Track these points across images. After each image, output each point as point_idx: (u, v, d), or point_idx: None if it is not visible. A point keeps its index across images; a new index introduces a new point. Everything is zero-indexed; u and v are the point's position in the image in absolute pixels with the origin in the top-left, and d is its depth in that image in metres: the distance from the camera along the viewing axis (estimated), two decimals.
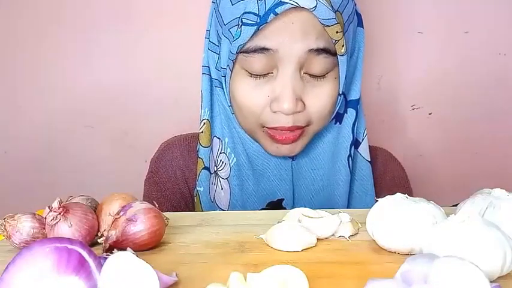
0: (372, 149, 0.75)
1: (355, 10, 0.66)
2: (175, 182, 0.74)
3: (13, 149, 1.07)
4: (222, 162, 0.68)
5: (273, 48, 0.58)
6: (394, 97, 1.05)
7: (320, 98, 0.62)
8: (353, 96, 0.69)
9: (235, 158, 0.68)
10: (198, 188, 0.70)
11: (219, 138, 0.69)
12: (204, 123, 0.70)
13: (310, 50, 0.58)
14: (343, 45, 0.60)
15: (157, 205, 0.45)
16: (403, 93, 1.04)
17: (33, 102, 1.05)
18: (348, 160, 0.68)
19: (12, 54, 1.04)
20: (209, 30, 0.69)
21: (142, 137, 1.05)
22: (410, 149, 1.06)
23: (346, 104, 0.69)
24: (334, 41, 0.59)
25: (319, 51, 0.59)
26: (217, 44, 0.67)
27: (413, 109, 1.05)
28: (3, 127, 1.07)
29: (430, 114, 1.05)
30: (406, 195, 0.44)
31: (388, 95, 1.04)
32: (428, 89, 1.04)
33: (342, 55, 0.61)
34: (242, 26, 0.58)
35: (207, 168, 0.70)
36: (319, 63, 0.60)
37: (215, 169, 0.69)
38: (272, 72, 0.61)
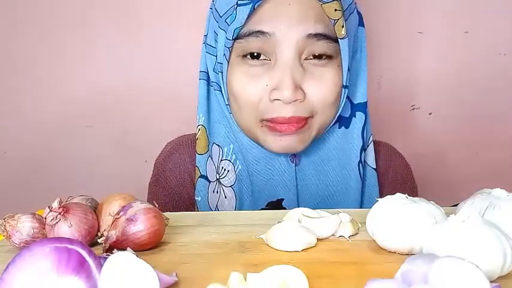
0: (374, 144, 0.72)
1: (356, 8, 0.65)
2: (183, 187, 0.70)
3: (13, 149, 1.07)
4: (225, 170, 0.66)
5: (269, 31, 0.57)
6: (394, 97, 1.05)
7: (322, 85, 0.59)
8: (360, 99, 0.68)
9: (240, 165, 0.66)
10: (196, 198, 0.68)
11: (218, 146, 0.67)
12: (200, 129, 0.68)
13: (309, 35, 0.57)
14: (342, 26, 0.58)
15: (157, 205, 0.45)
16: (403, 93, 1.04)
17: (33, 102, 1.05)
18: (359, 166, 0.66)
19: (12, 54, 1.04)
20: (206, 35, 0.67)
21: (142, 137, 1.05)
22: (410, 149, 1.05)
23: (352, 107, 0.67)
24: (333, 21, 0.57)
25: (319, 36, 0.57)
26: (214, 45, 0.65)
27: (413, 109, 1.05)
28: (3, 127, 1.07)
29: (430, 114, 1.05)
30: (406, 195, 0.44)
31: (388, 95, 1.04)
32: (428, 89, 1.04)
33: (343, 38, 0.59)
34: (237, 8, 0.57)
35: (203, 177, 0.68)
36: (319, 48, 0.58)
37: (217, 177, 0.67)
38: (270, 60, 0.59)
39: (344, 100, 0.63)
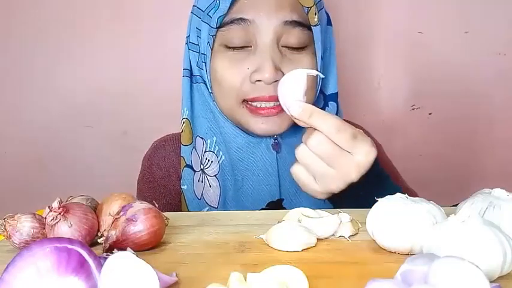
0: None
1: (324, 8, 0.69)
2: (169, 180, 0.74)
3: (13, 149, 1.07)
4: (209, 160, 0.69)
5: (249, 19, 0.62)
6: (394, 97, 1.05)
7: None
8: (331, 90, 0.72)
9: (223, 156, 0.69)
10: (182, 186, 0.71)
11: (202, 138, 0.70)
12: (184, 122, 0.71)
13: (285, 22, 0.62)
14: (315, 14, 0.63)
15: (157, 205, 0.45)
16: (403, 93, 1.04)
17: (33, 102, 1.05)
18: None
19: (12, 54, 1.04)
20: (188, 36, 0.71)
21: (142, 137, 1.04)
22: (410, 149, 1.05)
23: (324, 98, 0.71)
24: (306, 9, 0.63)
25: (294, 23, 0.62)
26: (196, 42, 0.69)
27: (413, 109, 1.05)
28: (3, 127, 1.07)
29: (430, 114, 1.05)
30: (407, 194, 0.44)
31: (388, 95, 1.04)
32: (428, 89, 1.04)
33: (316, 25, 0.64)
34: None
35: (188, 166, 0.71)
36: (295, 35, 0.63)
37: (201, 167, 0.70)
38: (250, 47, 0.63)
39: (319, 86, 0.68)
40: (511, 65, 1.02)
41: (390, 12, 1.01)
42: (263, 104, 0.63)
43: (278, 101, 0.61)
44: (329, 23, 0.71)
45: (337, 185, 0.52)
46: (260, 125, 0.64)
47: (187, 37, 0.71)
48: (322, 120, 0.51)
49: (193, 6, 0.70)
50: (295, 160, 0.55)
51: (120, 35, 1.02)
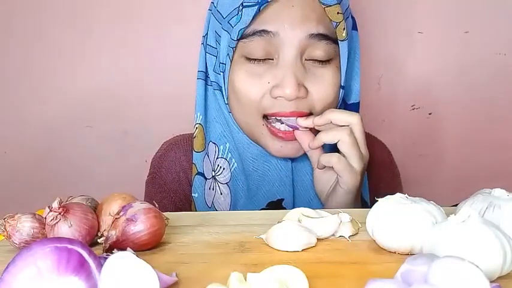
0: None
1: (350, 13, 0.66)
2: (179, 184, 0.72)
3: (13, 149, 1.07)
4: (221, 167, 0.68)
5: (273, 31, 0.58)
6: (394, 97, 1.05)
7: (322, 85, 0.61)
8: (353, 99, 0.69)
9: (235, 163, 0.67)
10: (193, 194, 0.70)
11: (215, 144, 0.69)
12: (197, 127, 0.69)
13: (311, 35, 0.58)
14: (344, 29, 0.60)
15: (157, 205, 0.45)
16: (403, 93, 1.04)
17: (33, 102, 1.05)
18: None
19: (12, 54, 1.04)
20: (205, 36, 0.68)
21: (142, 136, 1.05)
22: (410, 149, 1.05)
23: (346, 107, 0.69)
24: (335, 24, 0.59)
25: (320, 36, 0.59)
26: (214, 46, 0.66)
27: (413, 109, 1.05)
28: (3, 127, 1.07)
29: (430, 114, 1.05)
30: (406, 195, 0.44)
31: (388, 95, 1.04)
32: (428, 89, 1.04)
33: (343, 40, 0.61)
34: (243, 9, 0.58)
35: (200, 174, 0.69)
36: (321, 49, 0.60)
37: (213, 174, 0.68)
38: (272, 59, 0.60)
39: (340, 100, 0.65)
40: (511, 65, 1.02)
41: (390, 12, 1.01)
42: (282, 127, 0.61)
43: (300, 117, 0.61)
44: (354, 27, 0.67)
45: (364, 163, 0.60)
46: (279, 149, 0.63)
47: (204, 37, 0.68)
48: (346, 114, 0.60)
49: (212, 4, 0.66)
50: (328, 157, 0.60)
51: (120, 35, 1.02)
